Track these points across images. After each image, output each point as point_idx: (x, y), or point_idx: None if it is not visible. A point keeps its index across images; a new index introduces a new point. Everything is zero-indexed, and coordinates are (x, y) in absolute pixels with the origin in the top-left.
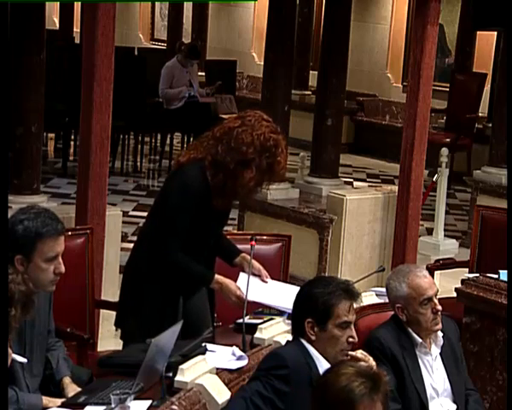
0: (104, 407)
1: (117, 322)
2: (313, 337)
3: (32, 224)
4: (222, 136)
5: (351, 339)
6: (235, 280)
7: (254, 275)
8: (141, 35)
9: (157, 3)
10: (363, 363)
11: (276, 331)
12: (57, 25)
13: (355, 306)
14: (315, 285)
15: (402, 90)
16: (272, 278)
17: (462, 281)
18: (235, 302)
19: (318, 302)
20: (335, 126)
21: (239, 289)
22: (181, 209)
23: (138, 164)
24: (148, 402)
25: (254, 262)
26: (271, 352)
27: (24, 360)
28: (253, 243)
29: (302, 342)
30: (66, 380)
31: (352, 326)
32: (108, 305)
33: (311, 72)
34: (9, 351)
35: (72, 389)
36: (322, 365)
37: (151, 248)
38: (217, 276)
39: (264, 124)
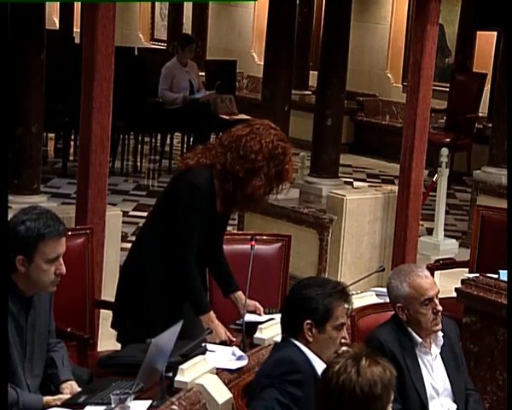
0: (104, 407)
1: (114, 324)
2: (311, 339)
3: (34, 225)
4: (230, 144)
5: (343, 340)
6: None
7: (250, 312)
8: (141, 35)
9: (157, 3)
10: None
11: (276, 331)
12: (57, 25)
13: (350, 307)
14: (311, 287)
15: (402, 90)
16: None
17: (462, 281)
18: (217, 342)
19: (319, 304)
20: (335, 126)
21: (226, 333)
22: (192, 210)
23: (138, 164)
24: (148, 402)
25: (250, 301)
26: (279, 358)
27: None
28: (253, 243)
29: (296, 344)
30: (75, 384)
31: (345, 327)
32: (108, 305)
33: (311, 72)
34: None
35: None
36: (320, 366)
37: (152, 251)
38: (212, 313)
39: (273, 132)
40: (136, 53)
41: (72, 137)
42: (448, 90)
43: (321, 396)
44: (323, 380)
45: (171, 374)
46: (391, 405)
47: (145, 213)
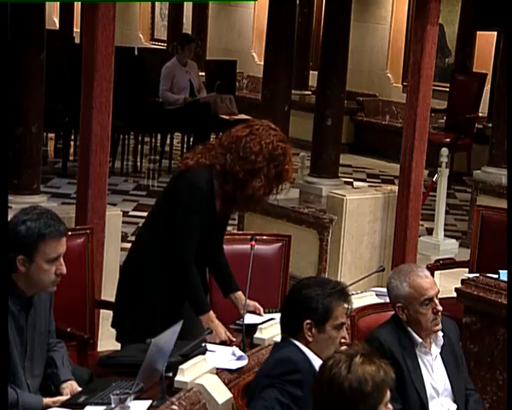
0: (104, 407)
1: (114, 323)
2: (310, 339)
3: (34, 225)
4: (230, 144)
5: (343, 340)
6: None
7: (250, 312)
8: (141, 35)
9: (157, 3)
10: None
11: (276, 331)
12: (57, 25)
13: (350, 307)
14: (311, 286)
15: (402, 90)
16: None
17: (462, 281)
18: (217, 342)
19: (318, 304)
20: (335, 126)
21: (226, 333)
22: (191, 211)
23: (138, 164)
24: (148, 402)
25: (249, 301)
26: (279, 358)
27: None
28: (253, 243)
29: (296, 344)
30: (75, 384)
31: (344, 327)
32: (108, 305)
33: (311, 72)
34: None
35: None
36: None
37: (152, 251)
38: (211, 313)
39: (272, 133)
40: (136, 53)
41: (72, 137)
42: (448, 90)
43: (313, 388)
44: (318, 373)
45: (171, 374)
46: (389, 406)
47: (145, 213)
